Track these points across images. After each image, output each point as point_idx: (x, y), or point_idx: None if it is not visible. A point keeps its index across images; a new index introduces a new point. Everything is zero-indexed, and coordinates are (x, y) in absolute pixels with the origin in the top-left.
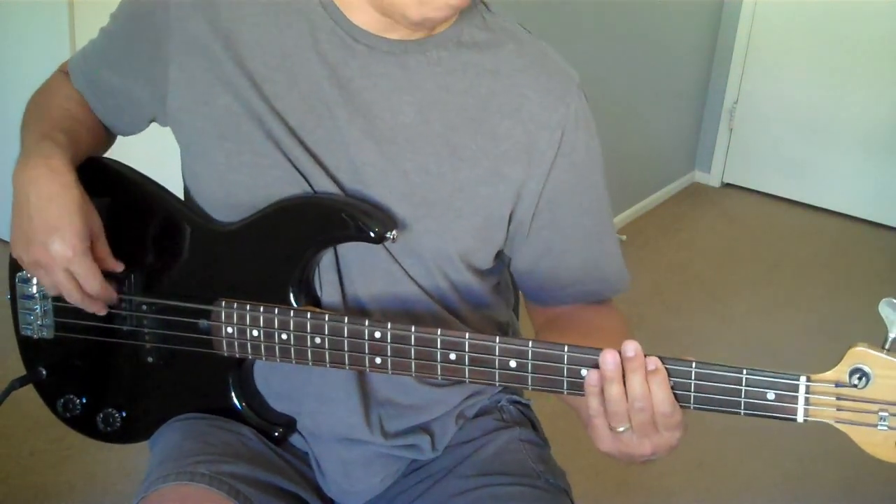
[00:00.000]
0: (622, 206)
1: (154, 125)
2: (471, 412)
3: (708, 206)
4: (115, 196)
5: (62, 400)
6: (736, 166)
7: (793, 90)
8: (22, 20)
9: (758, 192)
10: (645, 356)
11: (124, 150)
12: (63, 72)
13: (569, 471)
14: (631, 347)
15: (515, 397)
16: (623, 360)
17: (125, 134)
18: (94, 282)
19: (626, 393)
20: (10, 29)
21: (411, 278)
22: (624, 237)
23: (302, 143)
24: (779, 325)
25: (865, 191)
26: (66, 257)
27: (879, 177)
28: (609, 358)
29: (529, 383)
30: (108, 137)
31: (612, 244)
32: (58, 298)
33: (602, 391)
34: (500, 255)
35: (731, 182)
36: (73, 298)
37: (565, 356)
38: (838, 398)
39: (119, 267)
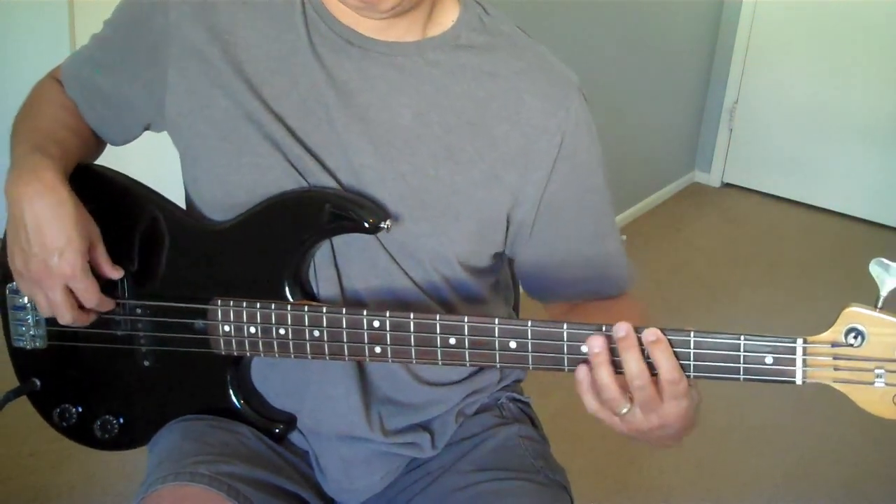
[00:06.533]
0: (622, 206)
1: (146, 134)
2: (470, 410)
3: (708, 206)
4: (105, 201)
5: (58, 410)
6: (736, 166)
7: (793, 90)
8: (22, 20)
9: (758, 192)
10: (644, 329)
11: (122, 160)
12: (53, 78)
13: (569, 470)
14: (622, 328)
15: (515, 395)
16: (617, 342)
17: (116, 143)
18: (93, 297)
19: (625, 371)
20: (10, 29)
21: (409, 277)
22: (624, 237)
23: (302, 144)
24: (779, 325)
25: (865, 191)
26: (66, 275)
27: (879, 177)
28: (594, 341)
29: (530, 363)
30: (98, 146)
31: (614, 244)
32: None
33: (594, 384)
34: (498, 255)
35: (731, 182)
36: (65, 319)
37: (564, 333)
38: (835, 358)
39: (118, 274)
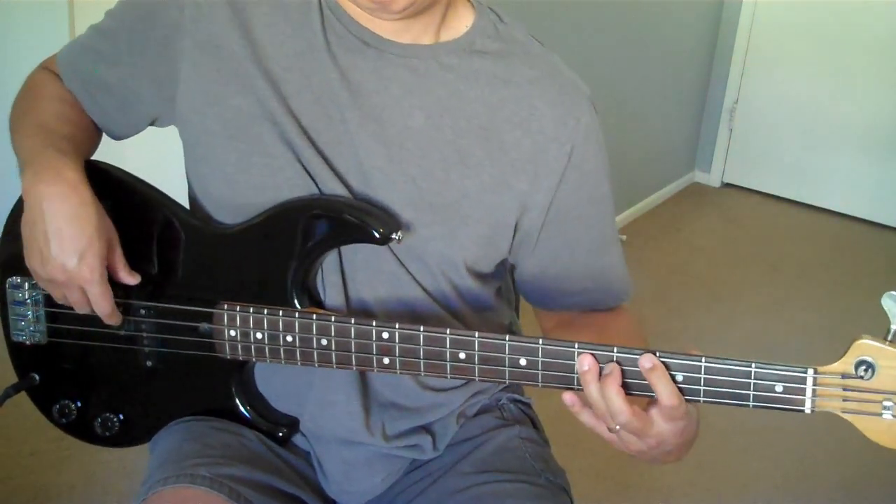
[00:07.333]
0: (622, 206)
1: (149, 129)
2: (471, 411)
3: (708, 206)
4: (113, 200)
5: (57, 406)
6: (736, 166)
7: (793, 90)
8: (22, 20)
9: (758, 192)
10: (641, 354)
11: (122, 155)
12: (47, 69)
13: (569, 471)
14: (608, 365)
15: (516, 396)
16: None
17: (120, 136)
18: (105, 306)
19: (607, 407)
20: (10, 29)
21: (417, 282)
22: (624, 237)
23: (313, 144)
24: (779, 325)
25: (865, 191)
26: (85, 279)
27: (879, 177)
28: (584, 359)
29: (539, 380)
30: (97, 139)
31: (616, 254)
32: (50, 304)
33: (585, 404)
34: (503, 262)
35: (731, 182)
36: (85, 311)
37: (575, 353)
38: (844, 389)
39: (134, 280)
